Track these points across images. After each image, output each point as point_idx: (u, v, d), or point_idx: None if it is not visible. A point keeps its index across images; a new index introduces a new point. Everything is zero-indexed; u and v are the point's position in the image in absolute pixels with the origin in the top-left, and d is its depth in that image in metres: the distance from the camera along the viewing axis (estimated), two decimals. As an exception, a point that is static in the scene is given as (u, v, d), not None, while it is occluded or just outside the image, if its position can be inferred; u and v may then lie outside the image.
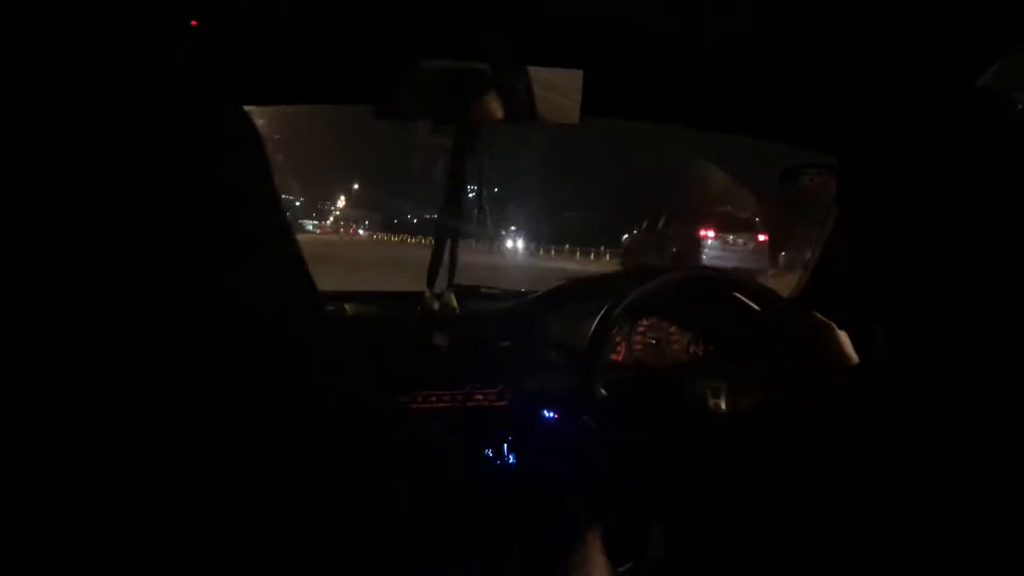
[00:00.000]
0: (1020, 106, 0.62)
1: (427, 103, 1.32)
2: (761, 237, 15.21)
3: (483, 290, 1.73)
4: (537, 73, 1.31)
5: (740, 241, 14.97)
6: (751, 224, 15.46)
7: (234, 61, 1.15)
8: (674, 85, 1.40)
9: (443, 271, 1.52)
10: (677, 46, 1.26)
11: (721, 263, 12.77)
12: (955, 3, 1.04)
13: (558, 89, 1.32)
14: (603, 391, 1.32)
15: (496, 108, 1.34)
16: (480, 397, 1.47)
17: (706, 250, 14.56)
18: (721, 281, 1.43)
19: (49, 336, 0.35)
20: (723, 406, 1.42)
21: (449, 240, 1.50)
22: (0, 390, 0.35)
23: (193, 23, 1.05)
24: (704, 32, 1.21)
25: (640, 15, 1.17)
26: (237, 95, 1.32)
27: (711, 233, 15.07)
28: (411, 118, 1.36)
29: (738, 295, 1.39)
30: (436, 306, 1.50)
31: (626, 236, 19.19)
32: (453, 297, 1.52)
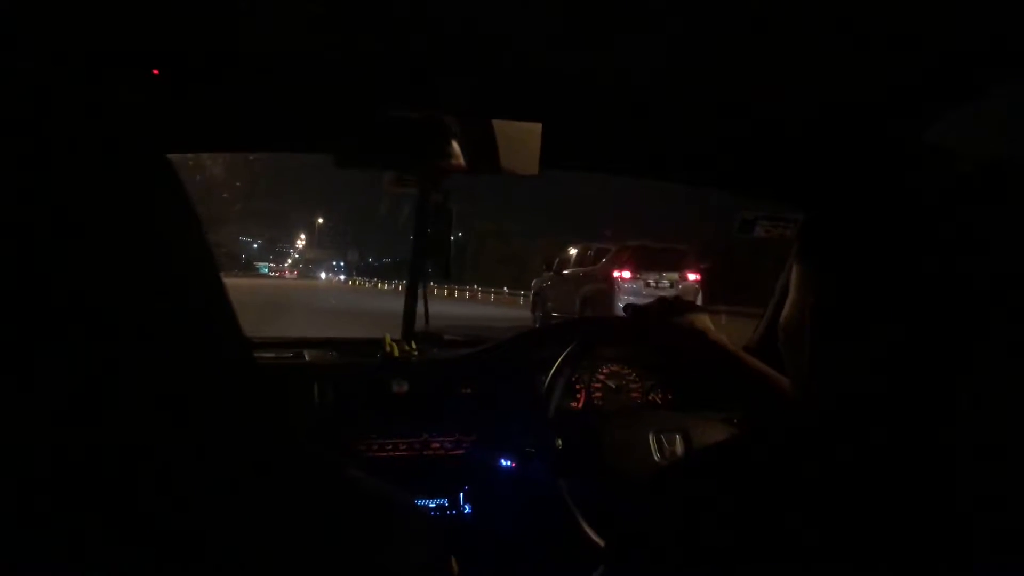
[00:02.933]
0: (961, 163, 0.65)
1: (388, 152, 1.33)
2: (692, 276, 12.82)
3: (445, 337, 1.73)
4: (499, 126, 1.33)
5: (665, 282, 12.54)
6: (679, 259, 13.03)
7: (195, 108, 1.15)
8: (635, 140, 1.44)
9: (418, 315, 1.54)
10: (638, 101, 1.29)
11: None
12: (900, 61, 1.08)
13: (519, 141, 1.35)
14: (559, 441, 1.32)
15: (458, 158, 1.36)
16: (437, 445, 1.45)
17: (622, 295, 12.10)
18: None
19: None
20: (678, 453, 1.42)
21: (420, 285, 1.51)
22: None
23: (155, 72, 1.05)
24: (667, 89, 1.25)
25: (601, 72, 1.21)
26: (197, 142, 1.33)
27: (626, 274, 12.59)
28: (372, 167, 1.37)
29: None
30: (395, 352, 1.49)
31: (535, 280, 16.50)
32: (412, 344, 1.51)
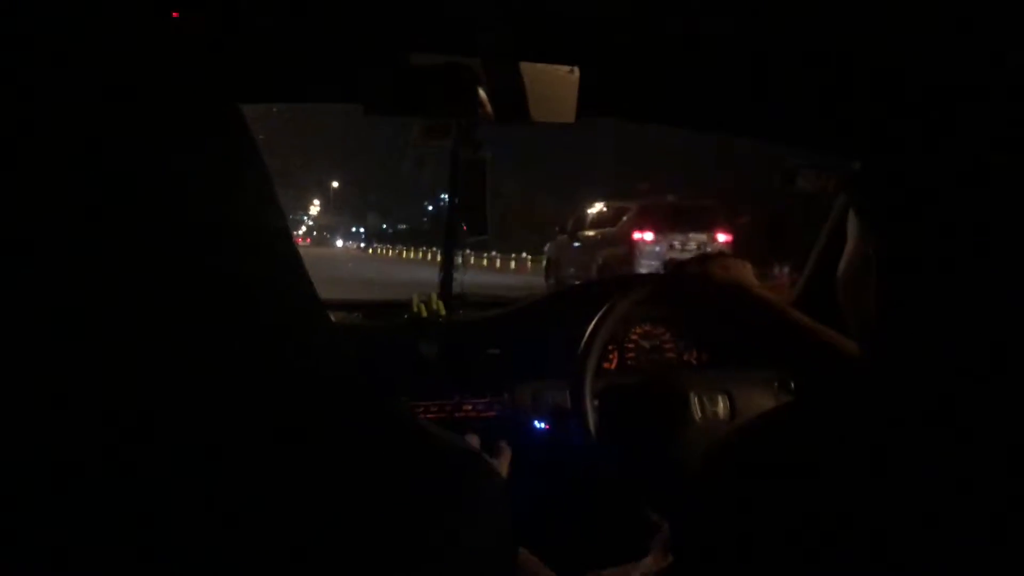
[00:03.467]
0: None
1: (417, 101, 1.27)
2: (722, 236, 11.41)
3: (471, 297, 1.68)
4: (533, 70, 1.26)
5: (692, 244, 11.06)
6: (708, 217, 11.52)
7: (217, 58, 1.10)
8: (677, 85, 1.37)
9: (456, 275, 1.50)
10: (679, 44, 1.22)
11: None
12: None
13: (554, 87, 1.28)
14: (596, 401, 1.27)
15: (492, 106, 1.30)
16: (469, 407, 1.42)
17: (643, 259, 10.82)
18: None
19: (48, 339, 0.35)
20: (721, 414, 1.38)
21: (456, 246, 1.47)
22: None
23: (175, 15, 0.99)
24: (706, 30, 1.18)
25: (640, 13, 1.14)
26: (221, 91, 1.27)
27: (647, 236, 11.17)
28: (400, 115, 1.31)
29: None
30: (424, 314, 1.45)
31: (548, 244, 14.85)
32: (442, 304, 1.47)
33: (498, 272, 22.39)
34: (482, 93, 1.28)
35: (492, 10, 1.15)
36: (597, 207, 13.40)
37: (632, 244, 11.19)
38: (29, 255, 0.35)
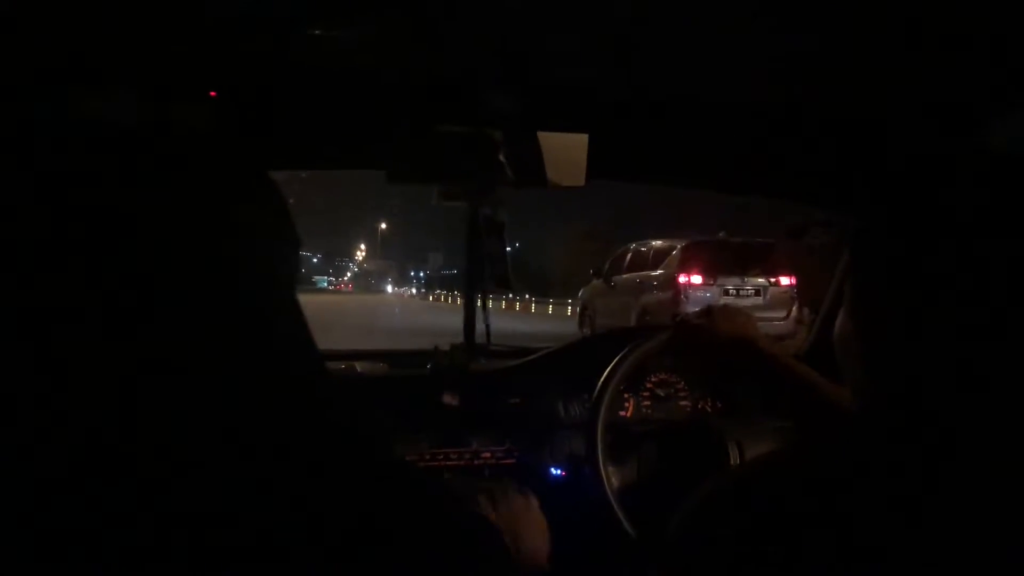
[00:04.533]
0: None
1: (439, 168, 1.36)
2: (785, 280, 9.75)
3: (492, 347, 1.75)
4: (545, 138, 1.35)
5: (748, 289, 9.71)
6: (765, 258, 9.87)
7: (247, 129, 1.20)
8: (681, 148, 1.44)
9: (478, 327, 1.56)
10: (682, 110, 1.30)
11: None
12: (958, 62, 1.06)
13: (565, 153, 1.36)
14: (609, 449, 1.32)
15: (507, 172, 1.38)
16: (487, 455, 1.47)
17: (690, 305, 8.89)
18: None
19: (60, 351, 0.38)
20: (732, 462, 1.41)
21: (479, 297, 1.54)
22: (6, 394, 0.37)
23: (212, 94, 1.10)
24: (708, 97, 1.25)
25: (645, 82, 1.22)
26: (255, 162, 1.38)
27: (695, 279, 9.68)
28: (423, 182, 1.41)
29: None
30: (446, 364, 1.52)
31: (583, 290, 13.61)
32: (463, 354, 1.54)
33: (517, 315, 21.00)
34: (502, 158, 1.37)
35: (511, 86, 1.25)
36: (635, 247, 11.87)
37: (678, 288, 9.67)
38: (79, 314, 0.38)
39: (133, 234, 0.40)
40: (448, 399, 1.49)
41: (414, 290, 46.90)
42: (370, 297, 41.82)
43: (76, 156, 0.40)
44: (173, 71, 1.08)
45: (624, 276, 11.59)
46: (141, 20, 0.94)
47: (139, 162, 0.42)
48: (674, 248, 10.45)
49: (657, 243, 11.29)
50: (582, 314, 13.17)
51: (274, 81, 1.16)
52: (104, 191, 0.40)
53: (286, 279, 0.49)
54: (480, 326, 1.64)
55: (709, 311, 1.30)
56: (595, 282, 12.67)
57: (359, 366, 1.58)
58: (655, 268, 10.65)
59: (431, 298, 36.73)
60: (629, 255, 11.88)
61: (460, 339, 1.65)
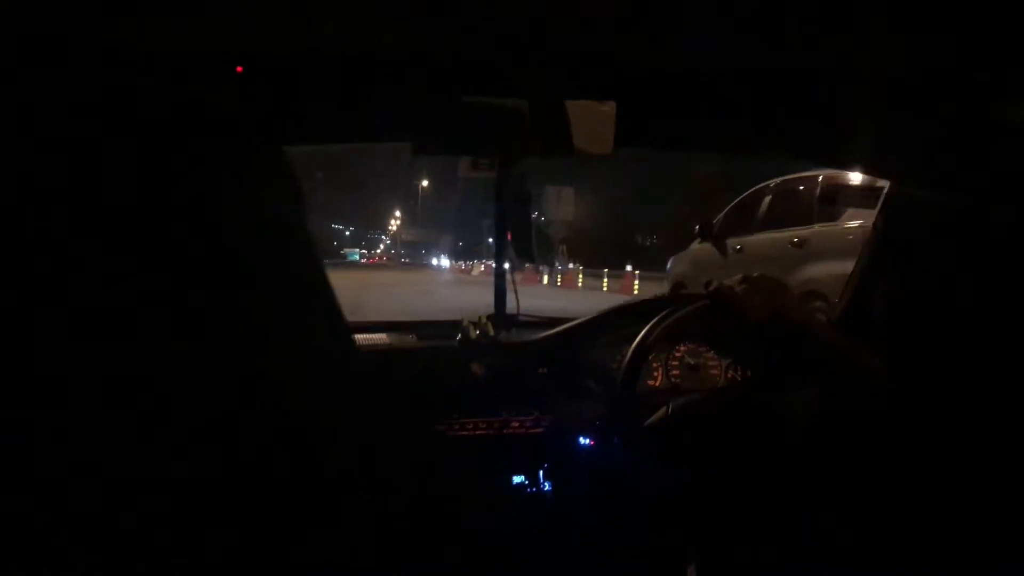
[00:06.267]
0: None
1: (465, 139, 1.36)
2: None
3: (521, 317, 1.76)
4: (572, 106, 1.34)
5: None
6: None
7: (272, 103, 1.21)
8: (712, 116, 1.41)
9: (509, 297, 1.57)
10: (712, 78, 1.27)
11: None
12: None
13: (592, 121, 1.35)
14: (638, 419, 1.32)
15: (534, 142, 1.37)
16: (516, 424, 1.49)
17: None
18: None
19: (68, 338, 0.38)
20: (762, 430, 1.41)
21: (508, 268, 1.55)
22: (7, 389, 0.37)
23: (239, 69, 1.10)
24: (738, 65, 1.23)
25: (676, 50, 1.20)
26: (277, 137, 1.39)
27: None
28: (450, 153, 1.40)
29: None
30: (474, 334, 1.53)
31: (672, 259, 9.63)
32: (491, 325, 1.55)
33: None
34: (528, 128, 1.36)
35: (539, 54, 1.23)
36: (782, 185, 7.24)
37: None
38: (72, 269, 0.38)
39: (152, 212, 0.40)
40: (476, 369, 1.51)
41: (482, 265, 31.18)
42: (415, 275, 31.84)
43: (99, 133, 0.41)
44: (198, 48, 1.09)
45: (759, 237, 7.19)
46: None
47: (162, 140, 0.42)
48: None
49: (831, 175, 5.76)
50: (674, 286, 8.56)
51: (300, 56, 1.16)
52: (127, 168, 0.40)
53: (304, 249, 0.49)
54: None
55: (745, 279, 1.29)
56: (697, 245, 8.69)
57: (387, 336, 1.60)
58: (835, 217, 5.67)
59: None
60: (768, 200, 7.40)
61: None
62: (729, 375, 1.62)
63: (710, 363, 1.62)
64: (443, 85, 1.29)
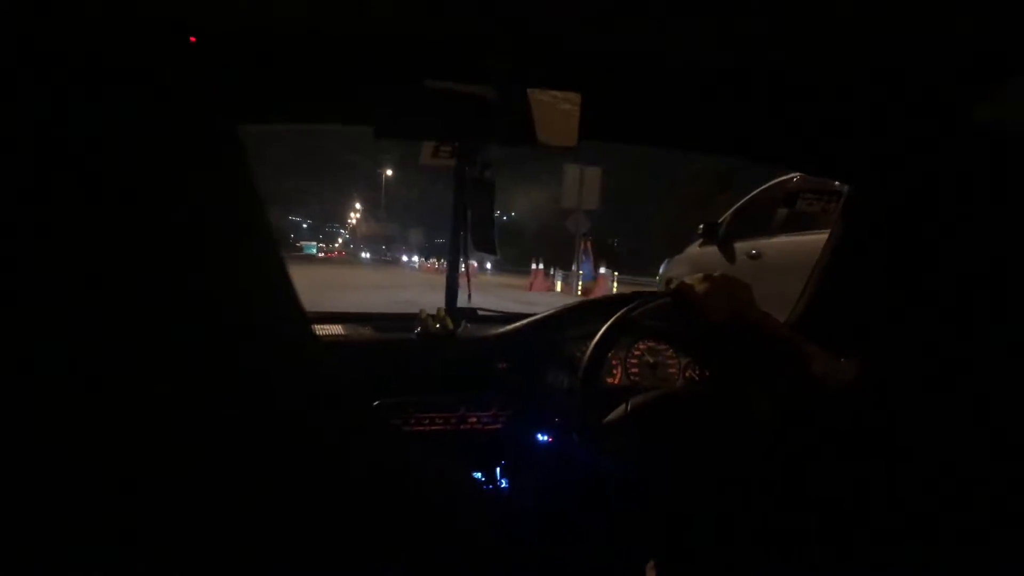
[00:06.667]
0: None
1: (428, 124, 1.33)
2: None
3: (480, 312, 1.73)
4: (537, 97, 1.31)
5: None
6: None
7: (231, 78, 1.16)
8: (675, 111, 1.41)
9: (460, 291, 1.54)
10: (678, 72, 1.27)
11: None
12: (952, 28, 1.04)
13: (557, 112, 1.33)
14: (595, 416, 1.31)
15: (498, 129, 1.35)
16: (474, 420, 1.46)
17: None
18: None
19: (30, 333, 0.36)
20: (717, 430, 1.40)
21: (462, 260, 1.52)
22: None
23: (192, 40, 1.05)
24: (704, 60, 1.22)
25: (640, 43, 1.18)
26: (233, 113, 1.34)
27: None
28: (411, 138, 1.37)
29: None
30: (432, 327, 1.50)
31: (666, 262, 8.30)
32: (449, 319, 1.51)
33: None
34: (492, 116, 1.34)
35: (503, 39, 1.21)
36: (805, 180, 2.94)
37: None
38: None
39: (99, 179, 0.39)
40: (434, 363, 1.48)
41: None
42: (380, 275, 26.51)
43: (50, 95, 0.39)
44: (152, 14, 1.03)
45: (780, 240, 5.74)
46: None
47: (111, 104, 0.41)
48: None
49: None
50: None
51: (257, 30, 1.11)
52: (71, 131, 0.39)
53: (259, 232, 0.48)
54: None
55: (706, 278, 1.29)
56: (696, 249, 7.26)
57: (343, 328, 1.55)
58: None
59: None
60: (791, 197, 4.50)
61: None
62: (687, 373, 1.61)
63: (669, 361, 1.61)
64: (406, 68, 1.26)
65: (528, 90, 1.31)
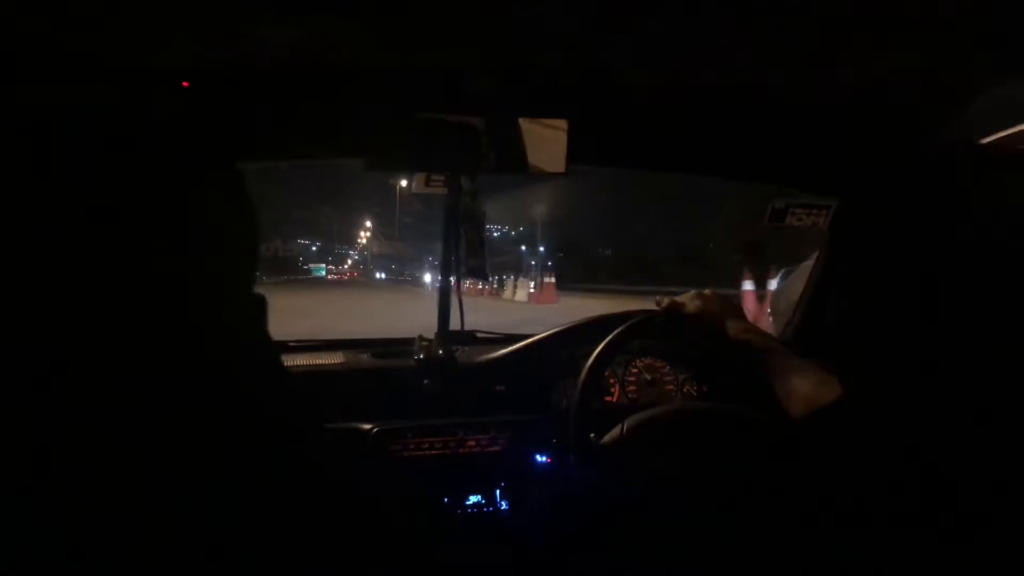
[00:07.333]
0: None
1: (418, 155, 1.35)
2: None
3: (478, 334, 1.75)
4: (525, 125, 1.34)
5: None
6: None
7: (222, 119, 1.19)
8: (662, 134, 1.43)
9: (453, 315, 1.55)
10: (663, 95, 1.29)
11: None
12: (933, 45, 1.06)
13: (545, 139, 1.36)
14: (593, 436, 1.32)
15: (488, 159, 1.37)
16: (472, 443, 1.47)
17: None
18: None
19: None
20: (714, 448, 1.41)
21: (453, 284, 1.53)
22: None
23: (185, 84, 1.09)
24: (686, 81, 1.25)
25: (624, 67, 1.21)
26: (224, 153, 1.37)
27: None
28: (403, 170, 1.40)
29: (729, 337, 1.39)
30: (428, 352, 1.52)
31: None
32: (443, 343, 1.53)
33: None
34: (482, 145, 1.36)
35: (494, 70, 1.24)
36: None
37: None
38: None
39: (91, 212, 0.41)
40: (431, 387, 1.49)
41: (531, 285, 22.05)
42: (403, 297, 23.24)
43: (50, 139, 0.42)
44: (145, 61, 1.07)
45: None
46: (116, 9, 0.94)
47: (103, 145, 0.43)
48: None
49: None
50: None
51: (247, 72, 1.15)
52: (68, 169, 0.41)
53: (240, 263, 0.51)
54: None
55: (699, 295, 1.30)
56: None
57: (343, 355, 1.57)
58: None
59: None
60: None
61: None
62: (685, 390, 1.62)
63: (666, 378, 1.62)
64: (393, 101, 1.29)
65: (517, 119, 1.34)
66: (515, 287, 22.72)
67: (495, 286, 23.72)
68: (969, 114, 1.16)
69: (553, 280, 21.26)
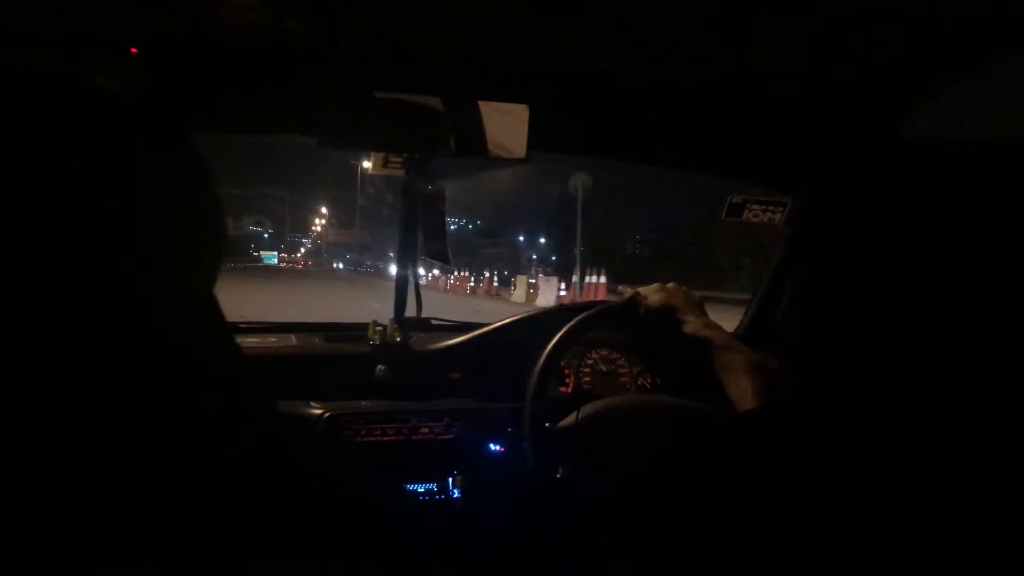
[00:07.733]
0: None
1: (375, 134, 1.33)
2: None
3: (434, 322, 1.73)
4: (486, 109, 1.32)
5: None
6: None
7: (176, 89, 1.15)
8: (622, 122, 1.43)
9: (410, 301, 1.53)
10: (623, 83, 1.29)
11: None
12: (887, 39, 1.07)
13: (506, 124, 1.34)
14: (547, 425, 1.31)
15: (447, 141, 1.35)
16: (426, 430, 1.45)
17: None
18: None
19: None
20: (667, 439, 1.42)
21: (411, 271, 1.51)
22: None
23: (134, 51, 1.05)
24: (648, 71, 1.24)
25: (587, 54, 1.20)
26: (176, 124, 1.33)
27: None
28: (359, 148, 1.37)
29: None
30: (381, 338, 1.49)
31: None
32: (398, 329, 1.51)
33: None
34: (441, 127, 1.34)
35: (454, 51, 1.22)
36: None
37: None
38: None
39: (34, 179, 0.39)
40: (384, 374, 1.47)
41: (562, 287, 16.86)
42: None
43: None
44: (87, 24, 1.02)
45: None
46: None
47: (47, 108, 0.41)
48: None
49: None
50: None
51: (200, 40, 1.11)
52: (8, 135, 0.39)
53: (197, 236, 0.49)
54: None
55: (661, 288, 1.30)
56: None
57: (295, 339, 1.54)
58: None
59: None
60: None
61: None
62: (639, 382, 1.63)
63: (621, 370, 1.63)
64: (353, 80, 1.26)
65: (478, 103, 1.32)
66: (530, 286, 17.49)
67: (495, 283, 19.98)
68: (925, 112, 1.18)
69: (604, 280, 15.12)
